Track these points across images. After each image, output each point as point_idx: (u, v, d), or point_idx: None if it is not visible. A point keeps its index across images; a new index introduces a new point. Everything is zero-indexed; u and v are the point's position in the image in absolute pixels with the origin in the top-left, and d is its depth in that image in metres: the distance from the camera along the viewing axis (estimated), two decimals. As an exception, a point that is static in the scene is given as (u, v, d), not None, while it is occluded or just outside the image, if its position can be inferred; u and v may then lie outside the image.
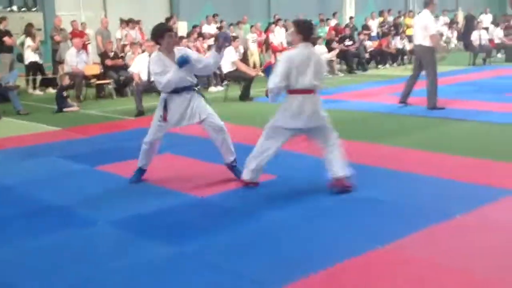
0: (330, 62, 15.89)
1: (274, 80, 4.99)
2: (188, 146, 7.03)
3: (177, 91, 5.36)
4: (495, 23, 20.79)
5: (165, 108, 5.40)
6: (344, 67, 16.99)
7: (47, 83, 13.86)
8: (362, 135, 7.53)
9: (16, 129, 9.08)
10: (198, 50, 13.40)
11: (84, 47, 13.31)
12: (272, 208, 4.77)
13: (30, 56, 13.40)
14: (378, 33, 19.84)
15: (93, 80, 12.55)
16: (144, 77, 10.29)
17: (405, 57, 18.30)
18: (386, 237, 4.01)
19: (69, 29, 14.63)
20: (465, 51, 19.65)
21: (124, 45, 14.19)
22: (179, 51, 5.45)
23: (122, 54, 13.52)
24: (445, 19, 23.57)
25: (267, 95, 5.19)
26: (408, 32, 18.15)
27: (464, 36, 21.37)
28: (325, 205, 4.82)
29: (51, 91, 13.12)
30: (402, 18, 21.48)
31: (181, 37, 13.75)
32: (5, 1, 16.07)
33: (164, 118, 5.40)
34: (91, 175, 6.08)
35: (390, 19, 21.07)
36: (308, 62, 5.00)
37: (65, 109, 10.63)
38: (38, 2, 16.53)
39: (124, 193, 5.38)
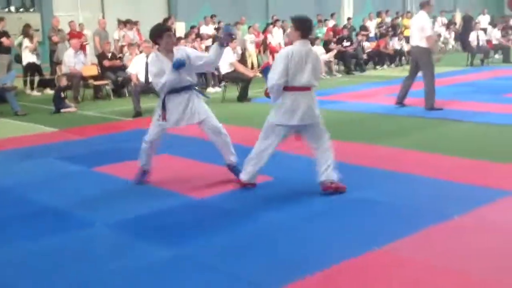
0: (328, 63, 15.91)
1: (273, 77, 4.96)
2: (186, 147, 7.03)
3: (176, 91, 5.35)
4: (493, 24, 20.81)
5: (164, 107, 5.39)
6: (342, 68, 16.99)
7: (45, 84, 13.84)
8: (359, 136, 7.53)
9: (13, 130, 9.07)
10: (196, 51, 13.36)
11: (82, 48, 13.30)
12: (269, 210, 4.77)
13: (28, 57, 13.38)
14: (376, 34, 19.85)
15: (90, 81, 12.54)
16: (142, 78, 10.29)
17: (403, 58, 18.31)
18: (382, 238, 4.01)
19: (67, 30, 14.64)
20: (463, 52, 19.67)
21: (122, 46, 14.19)
22: (178, 51, 5.44)
23: (121, 55, 13.52)
24: (443, 20, 23.59)
25: (267, 95, 5.18)
26: (406, 33, 18.12)
27: (462, 37, 21.41)
28: (322, 206, 4.82)
29: (49, 92, 13.11)
30: (400, 19, 21.50)
31: (179, 38, 13.74)
32: (3, 2, 16.07)
33: (163, 118, 5.39)
34: (88, 176, 6.08)
35: (388, 20, 21.09)
36: (306, 60, 4.98)
37: (62, 110, 10.62)
38: (36, 3, 16.54)
39: (122, 195, 5.38)
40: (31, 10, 16.34)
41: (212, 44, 14.61)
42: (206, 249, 3.99)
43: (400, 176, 5.62)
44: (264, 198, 5.10)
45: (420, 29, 9.27)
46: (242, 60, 15.41)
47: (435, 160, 6.19)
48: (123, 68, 12.42)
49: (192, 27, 16.09)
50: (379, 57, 17.99)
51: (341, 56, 16.68)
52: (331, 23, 19.30)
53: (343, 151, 6.46)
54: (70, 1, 17.37)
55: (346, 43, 16.89)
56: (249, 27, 17.42)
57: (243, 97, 11.41)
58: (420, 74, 9.50)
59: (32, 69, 13.58)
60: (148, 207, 4.93)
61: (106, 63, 12.78)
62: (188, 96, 5.40)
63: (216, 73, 12.69)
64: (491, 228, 4.26)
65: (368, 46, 18.01)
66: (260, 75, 9.26)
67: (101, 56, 13.17)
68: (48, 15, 16.07)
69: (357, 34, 18.31)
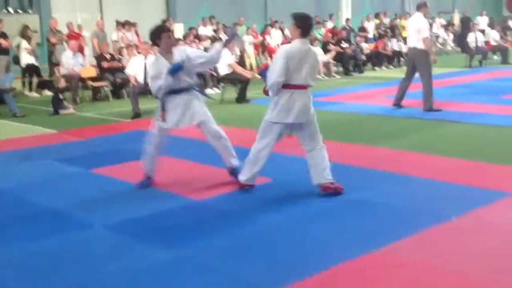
0: (327, 64, 15.92)
1: (273, 76, 4.94)
2: (185, 149, 7.02)
3: (175, 92, 5.33)
4: (491, 25, 20.84)
5: (163, 108, 5.39)
6: (341, 69, 17.00)
7: (43, 85, 13.84)
8: (358, 137, 7.54)
9: (12, 131, 9.06)
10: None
11: (80, 49, 13.30)
12: (268, 211, 4.78)
13: (26, 58, 13.37)
14: (374, 35, 19.88)
15: (89, 82, 12.53)
16: (140, 79, 10.30)
17: (402, 59, 18.32)
18: (381, 239, 4.02)
19: (65, 31, 14.63)
20: (461, 53, 19.69)
21: (121, 48, 14.19)
22: (178, 51, 5.43)
23: (120, 56, 13.51)
24: (441, 21, 23.62)
25: (266, 94, 5.16)
26: (404, 34, 18.12)
27: (460, 38, 21.43)
28: (321, 208, 4.82)
29: (48, 93, 13.10)
30: (398, 20, 21.52)
31: (177, 39, 13.74)
32: (1, 3, 16.05)
33: (163, 118, 5.39)
34: (87, 178, 6.07)
35: (386, 21, 21.11)
36: (305, 59, 4.97)
37: (61, 112, 10.61)
38: (34, 4, 16.53)
39: (121, 196, 5.38)
40: (30, 11, 16.33)
41: (211, 45, 14.67)
42: (205, 250, 3.99)
43: (398, 177, 5.63)
44: (264, 199, 5.10)
45: (416, 30, 9.30)
46: (241, 61, 15.41)
47: (434, 161, 6.20)
48: (122, 69, 12.42)
49: (191, 29, 16.09)
50: (378, 58, 18.01)
51: (339, 57, 16.68)
52: (329, 24, 19.32)
53: (342, 152, 6.48)
54: (68, 2, 17.37)
55: (344, 44, 16.90)
56: (248, 28, 17.43)
57: (241, 98, 11.41)
58: (417, 75, 9.53)
59: (30, 70, 13.57)
60: (148, 208, 4.93)
61: (105, 64, 12.77)
62: (188, 97, 5.38)
63: (214, 74, 12.69)
64: (489, 229, 4.27)
65: (367, 47, 18.03)
66: (258, 76, 9.27)
67: (99, 58, 13.17)
68: (46, 17, 16.06)
69: (355, 35, 18.33)
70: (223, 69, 11.57)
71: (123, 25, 15.30)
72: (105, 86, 12.68)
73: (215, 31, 17.03)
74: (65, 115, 10.54)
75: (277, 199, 5.08)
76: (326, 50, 16.33)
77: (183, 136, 6.91)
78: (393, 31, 19.76)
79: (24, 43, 13.33)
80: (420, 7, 9.59)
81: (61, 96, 10.87)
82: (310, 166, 5.13)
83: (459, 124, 8.32)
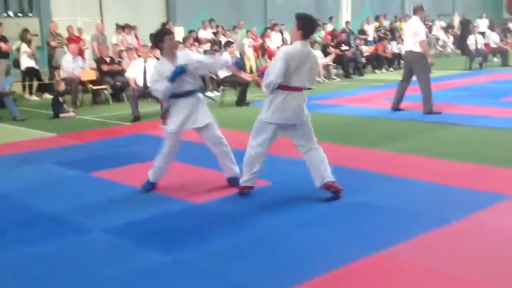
0: (326, 67, 15.92)
1: (271, 75, 4.91)
2: (185, 153, 7.00)
3: (180, 95, 5.33)
4: (491, 27, 20.85)
5: (167, 111, 5.38)
6: (341, 72, 17.00)
7: (43, 88, 13.85)
8: (358, 140, 7.53)
9: (12, 135, 9.06)
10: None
11: (80, 52, 13.30)
12: (267, 214, 4.77)
13: (26, 62, 13.38)
14: (374, 37, 19.88)
15: (89, 86, 12.54)
16: (140, 83, 10.30)
17: (402, 61, 18.31)
18: (381, 243, 4.01)
19: (65, 34, 14.64)
20: (461, 56, 19.69)
21: (121, 51, 14.20)
22: (181, 54, 5.44)
23: (120, 60, 13.52)
24: (441, 23, 23.63)
25: (258, 85, 5.10)
26: (404, 36, 18.19)
27: (460, 41, 21.44)
28: (320, 211, 4.81)
29: (48, 96, 13.10)
30: (398, 22, 21.53)
31: (177, 42, 13.74)
32: (1, 7, 16.07)
33: (164, 119, 5.38)
34: (86, 181, 6.06)
35: (386, 23, 21.12)
36: (305, 62, 4.94)
37: (61, 115, 10.61)
38: (34, 8, 16.55)
39: (120, 200, 5.37)
40: (30, 15, 16.35)
41: (210, 48, 14.69)
42: (203, 254, 3.98)
43: (398, 180, 5.62)
44: (263, 202, 5.09)
45: (413, 34, 9.35)
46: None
47: (433, 164, 6.19)
48: (122, 72, 12.43)
49: (191, 32, 16.11)
50: (378, 61, 18.01)
51: (339, 60, 16.69)
52: (329, 27, 19.32)
53: (342, 155, 6.47)
54: (68, 6, 17.40)
55: (344, 47, 16.90)
56: (247, 31, 17.44)
57: (241, 101, 11.42)
58: (414, 78, 9.54)
59: (30, 74, 13.58)
60: (147, 212, 4.92)
61: (105, 67, 12.78)
62: (193, 101, 5.38)
63: (214, 77, 12.70)
64: (489, 232, 4.26)
65: (367, 49, 18.04)
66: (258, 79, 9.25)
67: (99, 61, 13.17)
68: (46, 20, 16.08)
69: (355, 38, 18.32)
70: (223, 72, 11.57)
71: (123, 28, 15.31)
72: (105, 89, 12.69)
73: (215, 34, 17.04)
74: (65, 118, 10.54)
75: (277, 202, 5.06)
76: (326, 53, 16.33)
77: (183, 139, 6.88)
78: (393, 33, 19.76)
79: (24, 47, 13.35)
80: (416, 10, 9.74)
81: (61, 100, 10.87)
82: (309, 167, 5.11)
83: (459, 126, 8.31)
